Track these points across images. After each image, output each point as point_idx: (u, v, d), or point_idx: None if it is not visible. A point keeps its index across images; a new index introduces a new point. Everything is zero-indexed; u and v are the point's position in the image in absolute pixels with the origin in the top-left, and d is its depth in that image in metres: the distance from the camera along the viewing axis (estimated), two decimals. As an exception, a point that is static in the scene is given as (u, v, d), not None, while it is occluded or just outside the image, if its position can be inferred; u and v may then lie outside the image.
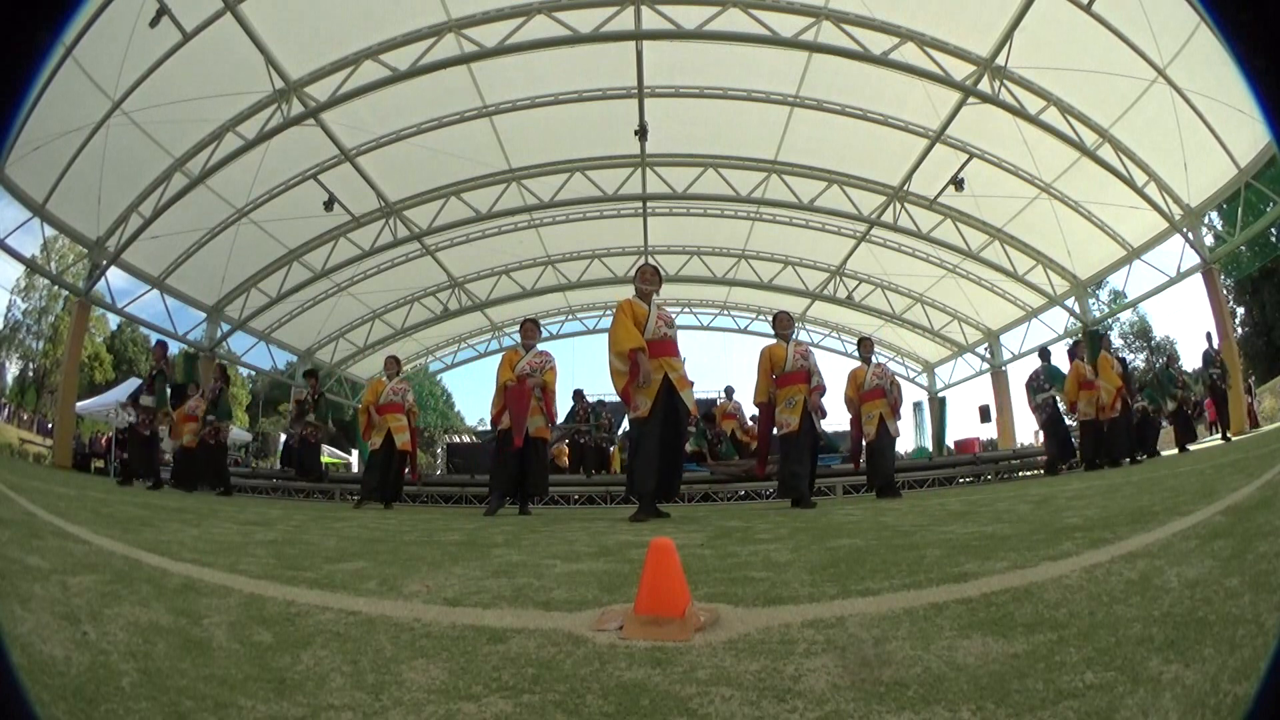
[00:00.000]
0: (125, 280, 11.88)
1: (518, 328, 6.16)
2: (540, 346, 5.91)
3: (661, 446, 4.21)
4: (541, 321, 17.45)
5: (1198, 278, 10.73)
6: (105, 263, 10.69)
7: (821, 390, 5.39)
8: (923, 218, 12.48)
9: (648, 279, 4.53)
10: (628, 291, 4.63)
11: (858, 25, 8.84)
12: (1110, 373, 8.41)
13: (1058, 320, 14.15)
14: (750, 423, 10.74)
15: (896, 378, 7.02)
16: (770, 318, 5.95)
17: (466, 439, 18.88)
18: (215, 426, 8.27)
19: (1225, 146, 9.28)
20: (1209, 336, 10.27)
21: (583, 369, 18.62)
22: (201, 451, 8.22)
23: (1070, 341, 10.51)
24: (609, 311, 4.46)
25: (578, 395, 10.84)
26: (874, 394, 6.54)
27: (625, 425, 8.14)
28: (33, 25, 0.50)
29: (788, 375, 5.33)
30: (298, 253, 12.79)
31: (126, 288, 12.08)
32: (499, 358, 5.94)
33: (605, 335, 4.47)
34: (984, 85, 9.25)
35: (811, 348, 5.98)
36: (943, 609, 1.22)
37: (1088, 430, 8.49)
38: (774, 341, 5.55)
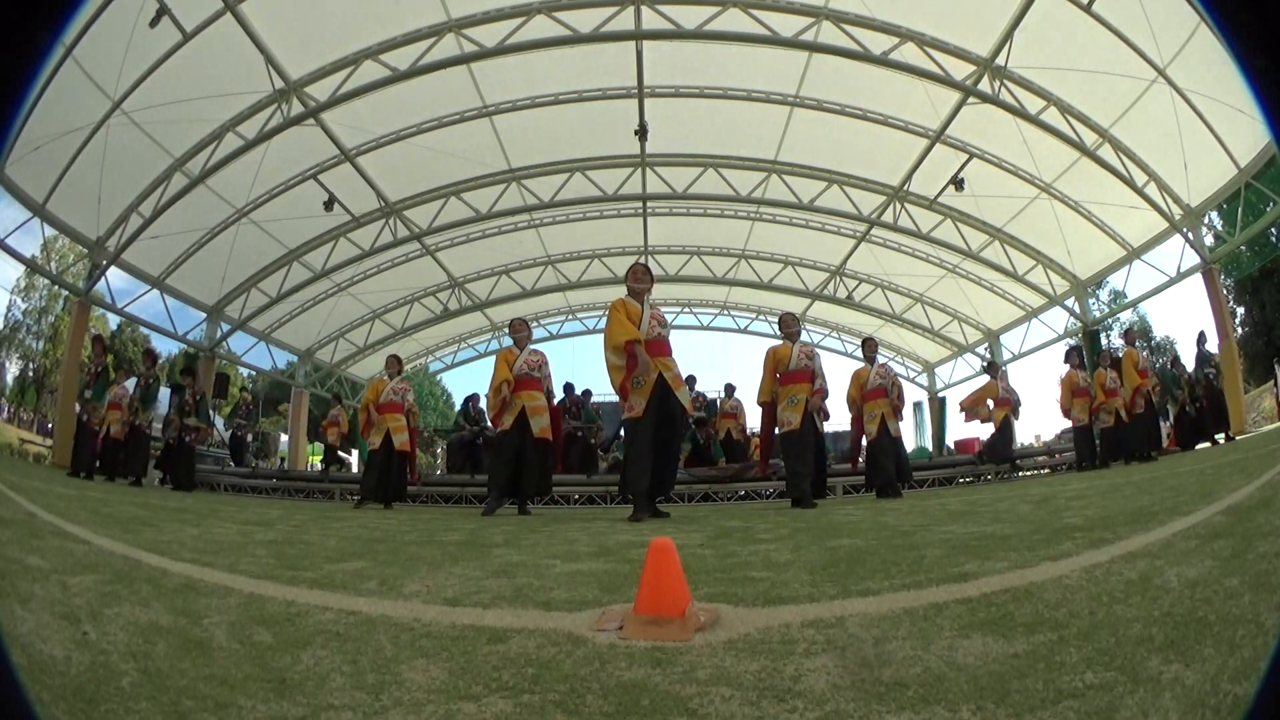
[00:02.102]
0: (125, 280, 11.87)
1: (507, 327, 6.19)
2: (536, 346, 5.92)
3: (656, 446, 4.21)
4: (542, 321, 17.56)
5: (1198, 278, 10.71)
6: (105, 263, 10.68)
7: (824, 393, 5.40)
8: (923, 218, 12.48)
9: (639, 278, 4.54)
10: (625, 292, 4.62)
11: (858, 25, 8.83)
12: (1132, 370, 8.43)
13: (1058, 320, 14.14)
14: (750, 422, 10.74)
15: (899, 379, 7.04)
16: (775, 319, 5.98)
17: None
18: (142, 416, 8.37)
19: (1225, 146, 9.27)
20: (1201, 336, 10.19)
21: (582, 369, 18.70)
22: (129, 441, 8.26)
23: (1068, 344, 10.51)
24: (608, 312, 4.48)
25: (568, 389, 10.83)
26: (876, 393, 6.56)
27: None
28: (33, 25, 0.50)
29: (791, 374, 5.34)
30: (298, 253, 12.78)
31: (126, 288, 12.08)
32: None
33: (603, 336, 4.47)
34: (984, 85, 9.25)
35: (817, 349, 6.00)
36: (943, 609, 1.22)
37: (1080, 435, 8.63)
38: (780, 341, 5.57)
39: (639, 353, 4.15)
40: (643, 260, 12.71)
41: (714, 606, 1.32)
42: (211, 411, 9.58)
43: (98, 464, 8.25)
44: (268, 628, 1.25)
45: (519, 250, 14.47)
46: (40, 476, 6.77)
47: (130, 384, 8.75)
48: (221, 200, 10.94)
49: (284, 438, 17.79)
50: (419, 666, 1.01)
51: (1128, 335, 9.57)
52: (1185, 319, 44.39)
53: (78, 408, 8.45)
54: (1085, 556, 1.59)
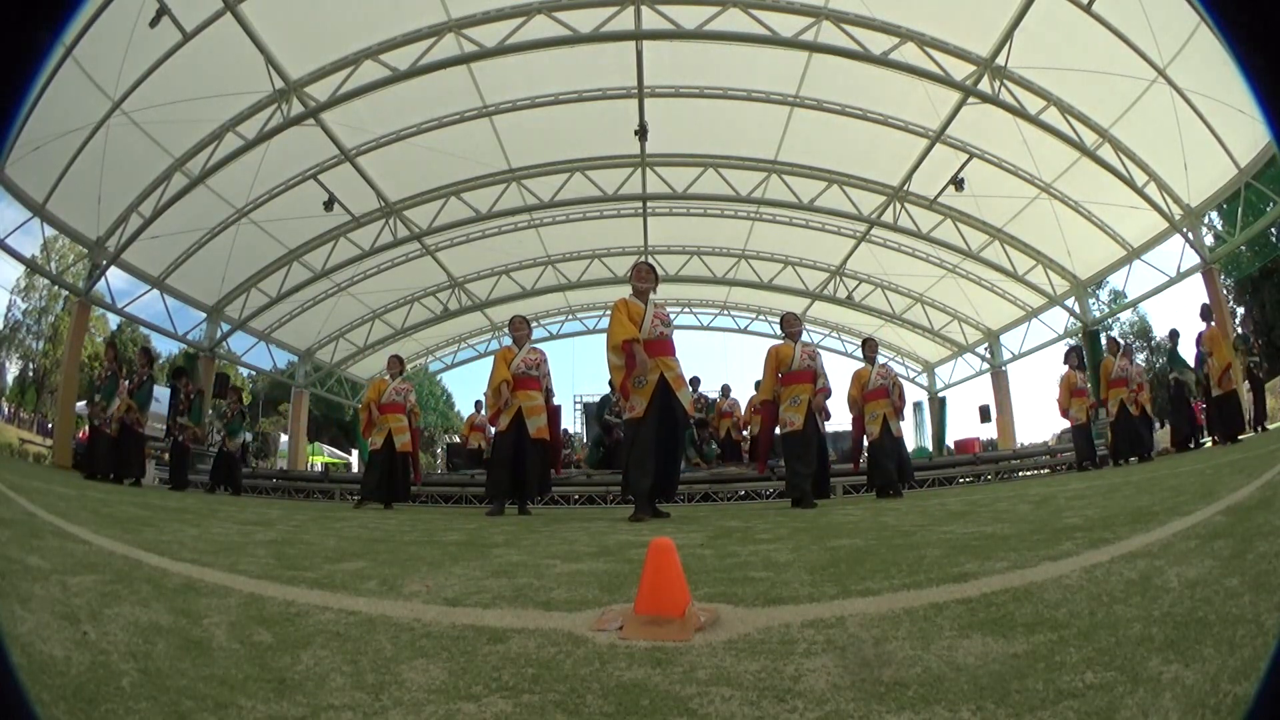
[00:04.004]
0: (125, 280, 11.89)
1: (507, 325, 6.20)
2: (536, 345, 5.92)
3: (658, 446, 4.21)
4: (542, 321, 17.57)
5: (1198, 278, 10.71)
6: (105, 263, 10.68)
7: (826, 393, 5.40)
8: (923, 218, 12.48)
9: (643, 277, 4.53)
10: (627, 291, 4.63)
11: (858, 25, 8.83)
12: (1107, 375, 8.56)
13: (1058, 320, 14.16)
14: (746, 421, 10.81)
15: (900, 379, 7.04)
16: (777, 319, 5.97)
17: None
18: (136, 414, 8.37)
19: (1225, 146, 9.27)
20: (1173, 335, 9.95)
21: (582, 369, 18.69)
22: (123, 440, 8.21)
23: (1068, 344, 10.46)
24: (609, 311, 4.54)
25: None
26: (877, 394, 6.56)
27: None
28: (33, 25, 0.50)
29: (794, 374, 5.34)
30: (298, 253, 12.78)
31: (126, 288, 12.09)
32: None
33: (605, 335, 4.48)
34: (984, 85, 9.25)
35: (819, 349, 6.01)
36: (943, 609, 1.22)
37: (1079, 434, 8.76)
38: (782, 341, 5.57)
39: (637, 352, 4.16)
40: (645, 259, 12.72)
41: (714, 606, 1.32)
42: (218, 417, 9.61)
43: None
44: (268, 628, 1.25)
45: (519, 250, 14.47)
46: (40, 476, 6.77)
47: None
48: (221, 200, 10.94)
49: (284, 438, 17.79)
50: (419, 666, 1.01)
51: (1110, 343, 9.46)
52: (1185, 319, 44.42)
53: (84, 407, 8.45)
54: (1085, 556, 1.59)
